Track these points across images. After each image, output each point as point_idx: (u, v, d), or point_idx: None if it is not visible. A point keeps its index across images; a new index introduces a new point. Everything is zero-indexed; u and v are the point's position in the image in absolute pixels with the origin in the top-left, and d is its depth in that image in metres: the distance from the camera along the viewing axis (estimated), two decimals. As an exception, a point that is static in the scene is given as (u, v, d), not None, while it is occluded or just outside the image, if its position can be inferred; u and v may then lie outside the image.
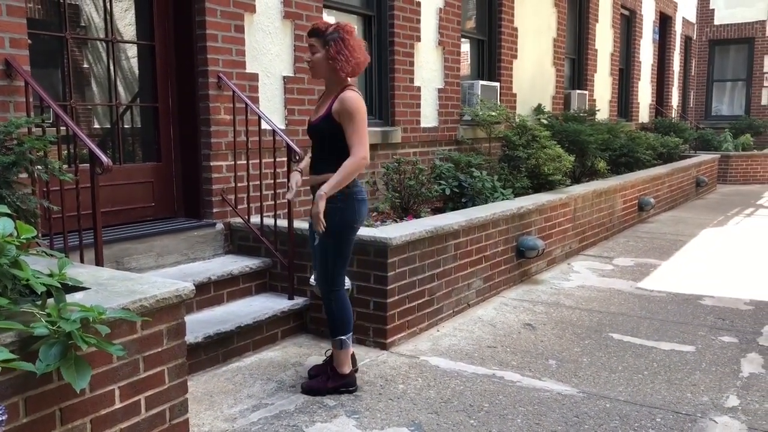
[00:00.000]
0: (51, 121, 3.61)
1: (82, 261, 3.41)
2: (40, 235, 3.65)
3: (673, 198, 10.61)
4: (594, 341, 4.42)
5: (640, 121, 14.12)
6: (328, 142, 3.42)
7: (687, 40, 17.63)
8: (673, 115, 16.32)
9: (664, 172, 9.99)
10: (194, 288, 2.91)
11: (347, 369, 3.59)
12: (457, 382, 3.74)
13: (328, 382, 3.55)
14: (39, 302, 2.43)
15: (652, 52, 14.74)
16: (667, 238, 8.05)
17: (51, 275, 2.48)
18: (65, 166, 3.53)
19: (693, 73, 18.35)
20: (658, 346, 4.34)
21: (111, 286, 2.84)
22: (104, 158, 3.21)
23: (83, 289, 2.80)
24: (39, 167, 2.86)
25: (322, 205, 3.30)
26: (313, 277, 3.71)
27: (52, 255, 2.61)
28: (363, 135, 3.34)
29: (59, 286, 2.42)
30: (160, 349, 2.80)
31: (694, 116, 18.24)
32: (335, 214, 3.38)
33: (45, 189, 3.43)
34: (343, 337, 3.56)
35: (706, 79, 18.60)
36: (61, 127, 3.54)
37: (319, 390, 3.53)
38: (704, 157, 13.04)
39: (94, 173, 3.25)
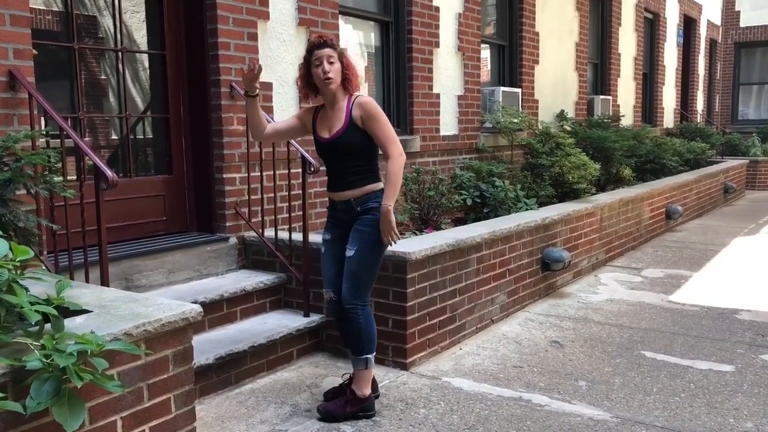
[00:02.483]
0: (53, 134, 3.47)
1: (87, 280, 3.27)
2: (45, 253, 3.53)
3: (700, 205, 10.30)
4: (626, 360, 4.19)
5: (664, 126, 13.80)
6: (355, 152, 3.33)
7: (712, 43, 17.27)
8: (699, 120, 15.96)
9: (691, 179, 9.69)
10: (202, 310, 2.74)
11: (368, 391, 3.40)
12: (481, 406, 3.53)
13: (347, 406, 3.36)
14: (36, 329, 2.28)
15: (677, 55, 14.43)
16: (696, 247, 7.77)
17: (48, 300, 2.33)
18: (72, 180, 3.40)
19: (718, 77, 17.96)
20: (695, 365, 4.09)
21: (114, 308, 2.69)
22: (109, 173, 3.07)
23: (85, 311, 2.66)
24: (41, 184, 2.71)
25: (393, 218, 3.28)
26: (328, 294, 3.51)
27: (48, 278, 2.45)
28: (392, 133, 3.33)
29: (56, 313, 2.27)
30: (165, 376, 2.63)
31: (720, 121, 17.83)
32: (377, 225, 3.31)
33: (50, 205, 3.29)
34: (370, 356, 3.39)
35: (732, 83, 18.17)
36: (69, 141, 3.38)
37: (337, 415, 3.34)
38: (732, 162, 12.69)
39: (99, 188, 3.10)
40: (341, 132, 3.32)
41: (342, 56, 3.29)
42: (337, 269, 3.46)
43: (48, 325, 2.31)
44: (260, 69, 3.36)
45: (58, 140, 3.40)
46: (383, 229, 3.30)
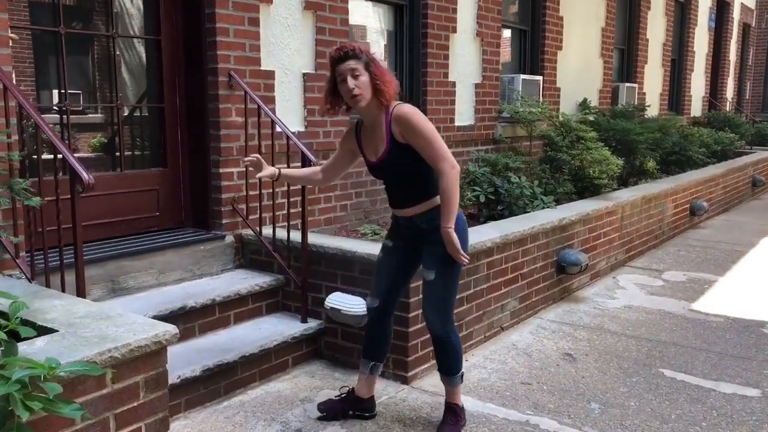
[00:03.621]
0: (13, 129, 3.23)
1: (63, 288, 3.04)
2: (23, 255, 3.32)
3: (727, 200, 9.88)
4: (642, 379, 3.91)
5: (692, 115, 13.30)
6: (407, 171, 3.02)
7: (745, 28, 16.61)
8: (728, 108, 15.40)
9: (718, 173, 9.26)
10: (177, 332, 2.51)
11: (461, 399, 3.35)
12: (484, 430, 3.28)
13: (460, 420, 3.27)
14: (-13, 354, 2.06)
15: (707, 40, 13.87)
16: (722, 247, 7.40)
17: (-1, 323, 2.11)
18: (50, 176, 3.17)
19: (750, 63, 17.32)
20: (717, 387, 3.80)
21: (82, 327, 2.47)
22: (85, 175, 2.83)
23: (51, 331, 2.44)
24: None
25: (456, 240, 2.94)
26: (374, 302, 3.34)
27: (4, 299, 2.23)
28: (440, 144, 2.92)
29: (5, 336, 2.04)
30: (136, 404, 2.41)
31: (750, 109, 17.23)
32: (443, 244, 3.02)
33: (26, 207, 3.06)
34: (463, 369, 3.30)
35: (765, 69, 17.52)
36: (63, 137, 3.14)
37: None
38: (762, 154, 12.19)
39: (74, 191, 2.87)
40: (385, 154, 2.99)
41: (369, 65, 2.88)
42: (392, 280, 3.27)
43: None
44: (258, 160, 3.22)
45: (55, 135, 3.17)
46: (449, 252, 2.99)
